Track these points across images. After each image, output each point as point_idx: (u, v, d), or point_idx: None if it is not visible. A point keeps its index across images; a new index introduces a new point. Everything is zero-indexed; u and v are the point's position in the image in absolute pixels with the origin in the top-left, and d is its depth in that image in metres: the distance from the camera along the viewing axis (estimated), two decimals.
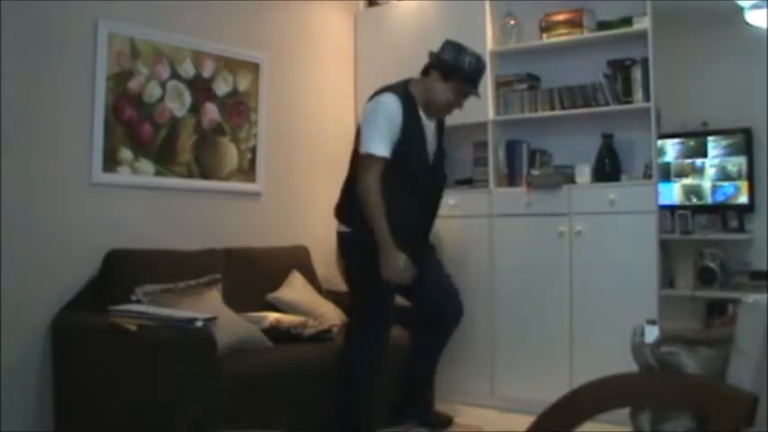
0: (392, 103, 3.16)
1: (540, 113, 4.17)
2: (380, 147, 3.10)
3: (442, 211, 3.66)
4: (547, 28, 4.18)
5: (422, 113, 3.29)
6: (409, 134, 3.18)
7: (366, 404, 3.25)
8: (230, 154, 4.04)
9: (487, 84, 4.27)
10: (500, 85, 4.33)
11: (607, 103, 3.97)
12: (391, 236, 3.07)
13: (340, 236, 3.31)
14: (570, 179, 4.03)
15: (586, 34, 4.05)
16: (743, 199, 4.16)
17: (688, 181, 4.34)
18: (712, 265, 4.05)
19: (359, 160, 3.17)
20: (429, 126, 3.33)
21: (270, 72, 4.25)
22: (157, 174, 3.69)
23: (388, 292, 3.24)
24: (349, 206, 3.25)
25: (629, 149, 4.03)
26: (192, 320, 2.86)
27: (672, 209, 4.25)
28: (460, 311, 3.50)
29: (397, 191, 3.14)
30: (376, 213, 3.05)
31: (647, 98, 3.82)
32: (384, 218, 3.05)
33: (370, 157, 3.09)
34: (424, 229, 3.45)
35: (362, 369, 3.24)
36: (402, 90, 3.25)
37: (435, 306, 3.45)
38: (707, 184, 4.29)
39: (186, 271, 3.35)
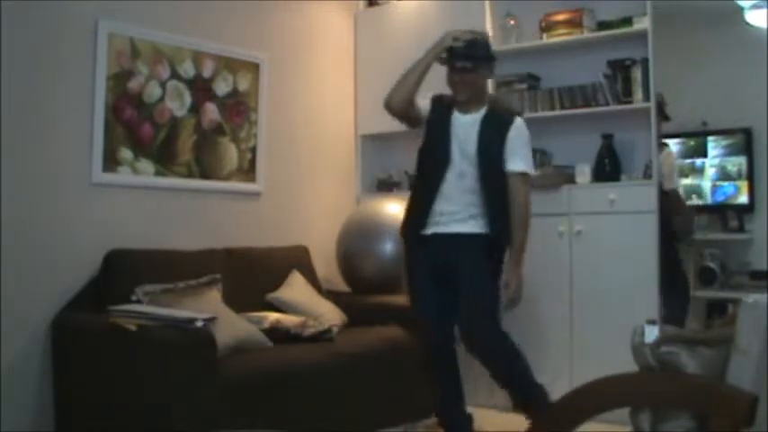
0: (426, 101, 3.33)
1: (540, 113, 4.17)
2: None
3: None
4: (547, 28, 4.18)
5: (456, 110, 3.28)
6: (429, 130, 3.30)
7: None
8: (230, 154, 4.04)
9: (487, 84, 4.28)
10: (500, 85, 4.33)
11: (607, 103, 3.97)
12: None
13: None
14: (570, 179, 4.03)
15: (586, 34, 4.05)
16: (743, 199, 4.17)
17: (688, 181, 4.34)
18: (712, 265, 4.06)
19: None
20: (463, 123, 3.25)
21: (270, 72, 4.25)
22: (157, 174, 3.69)
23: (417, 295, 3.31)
24: None
25: (629, 149, 4.03)
26: (192, 320, 2.86)
27: None
28: (471, 344, 3.19)
29: (415, 185, 3.38)
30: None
31: (647, 98, 3.82)
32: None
33: None
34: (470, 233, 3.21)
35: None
36: (446, 94, 3.34)
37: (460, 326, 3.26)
38: (707, 184, 4.29)
39: (186, 271, 3.34)
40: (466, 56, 3.20)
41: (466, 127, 3.25)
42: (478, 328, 3.17)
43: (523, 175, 3.21)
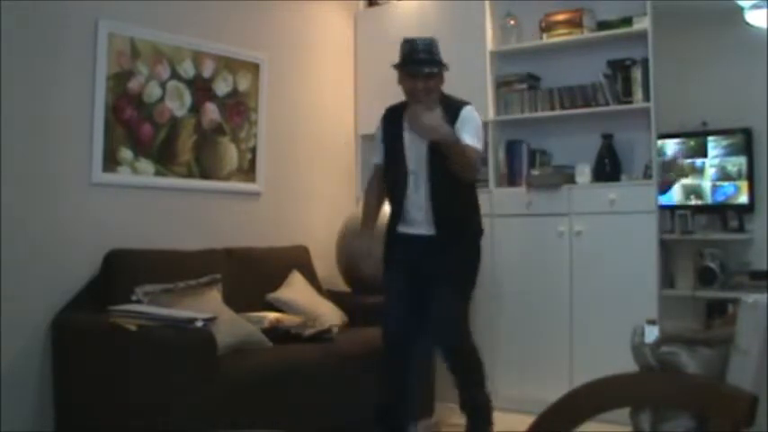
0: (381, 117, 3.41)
1: (540, 113, 4.17)
2: (375, 156, 3.44)
3: None
4: (547, 28, 4.18)
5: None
6: (387, 142, 3.33)
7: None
8: (230, 154, 4.04)
9: (487, 84, 4.28)
10: (500, 85, 4.33)
11: (607, 103, 3.97)
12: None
13: None
14: (570, 179, 4.03)
15: (586, 34, 4.06)
16: (743, 199, 4.16)
17: (688, 181, 4.34)
18: (712, 265, 4.05)
19: None
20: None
21: (270, 72, 4.25)
22: (157, 174, 3.69)
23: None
24: None
25: (629, 149, 4.03)
26: (192, 320, 2.86)
27: (672, 209, 4.25)
28: (448, 351, 3.26)
29: (389, 197, 3.38)
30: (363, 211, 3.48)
31: (647, 98, 3.82)
32: (366, 210, 3.46)
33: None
34: (434, 239, 3.23)
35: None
36: (398, 103, 3.33)
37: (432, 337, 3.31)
38: (707, 184, 4.29)
39: (186, 271, 3.34)
40: (430, 61, 3.18)
41: (418, 137, 3.17)
42: (448, 328, 3.19)
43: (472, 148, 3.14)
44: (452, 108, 3.19)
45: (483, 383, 3.34)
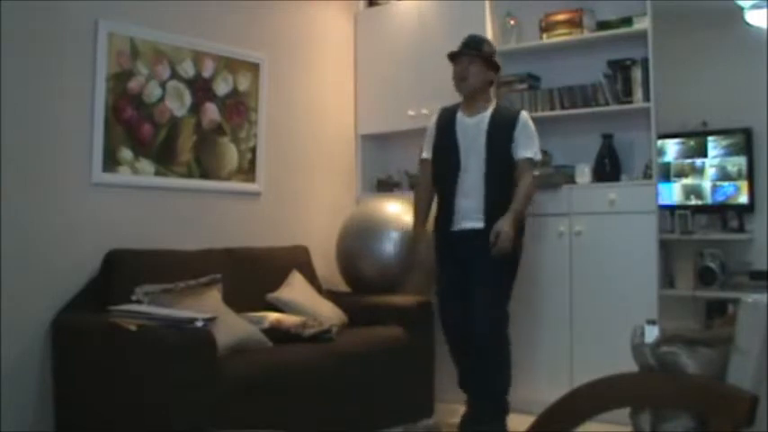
0: (434, 116, 3.78)
1: (540, 113, 4.16)
2: (424, 151, 3.77)
3: None
4: (547, 28, 4.18)
5: (461, 114, 3.63)
6: (440, 140, 3.66)
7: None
8: (230, 154, 4.04)
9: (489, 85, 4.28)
10: (500, 85, 4.32)
11: (607, 103, 3.97)
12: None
13: None
14: (570, 179, 4.03)
15: (586, 34, 4.06)
16: (743, 199, 4.17)
17: (688, 181, 4.34)
18: (712, 265, 4.06)
19: None
20: (469, 125, 3.58)
21: (270, 72, 4.25)
22: (157, 174, 3.69)
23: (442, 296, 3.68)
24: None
25: (629, 149, 4.03)
26: (192, 320, 2.86)
27: (672, 209, 4.25)
28: (480, 338, 3.48)
29: (437, 189, 3.67)
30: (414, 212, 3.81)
31: (647, 98, 3.82)
32: (417, 207, 3.77)
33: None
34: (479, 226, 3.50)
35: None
36: (453, 104, 3.73)
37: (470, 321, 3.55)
38: (707, 184, 4.29)
39: (186, 271, 3.34)
40: (467, 45, 3.61)
41: (472, 128, 3.57)
42: (484, 320, 3.47)
43: (529, 160, 3.53)
44: (510, 114, 3.61)
45: (507, 375, 3.56)
